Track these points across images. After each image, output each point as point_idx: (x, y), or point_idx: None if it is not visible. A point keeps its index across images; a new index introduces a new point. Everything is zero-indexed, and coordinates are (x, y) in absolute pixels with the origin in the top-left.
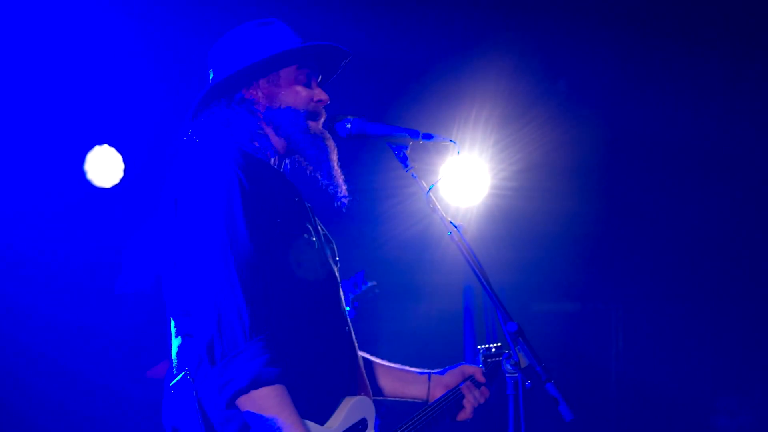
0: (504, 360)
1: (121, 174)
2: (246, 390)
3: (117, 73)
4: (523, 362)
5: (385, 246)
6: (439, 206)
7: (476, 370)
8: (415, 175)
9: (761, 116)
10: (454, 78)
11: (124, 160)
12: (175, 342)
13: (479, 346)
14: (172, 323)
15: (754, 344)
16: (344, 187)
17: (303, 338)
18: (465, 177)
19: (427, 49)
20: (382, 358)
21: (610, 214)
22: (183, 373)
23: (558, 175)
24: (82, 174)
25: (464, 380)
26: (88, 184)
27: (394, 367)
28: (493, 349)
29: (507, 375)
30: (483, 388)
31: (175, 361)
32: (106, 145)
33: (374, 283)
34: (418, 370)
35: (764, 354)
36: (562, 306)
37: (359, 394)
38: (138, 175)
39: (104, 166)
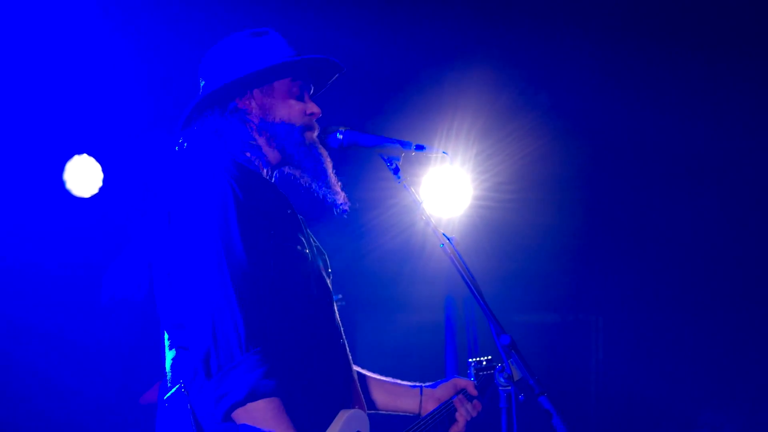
0: (497, 373)
1: (100, 183)
2: (243, 403)
3: (96, 82)
4: (516, 375)
5: (366, 257)
6: (431, 218)
7: (468, 383)
8: (407, 186)
9: (742, 127)
10: (437, 89)
11: (104, 170)
12: (169, 354)
13: (470, 359)
14: (166, 336)
15: (736, 356)
16: (343, 195)
17: (298, 351)
18: (448, 188)
19: (409, 60)
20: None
21: (591, 225)
22: (177, 386)
23: (539, 187)
24: (62, 183)
25: (456, 393)
26: (68, 194)
27: (385, 381)
28: (484, 362)
29: (500, 388)
30: (475, 401)
31: (169, 374)
32: (85, 155)
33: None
34: (409, 383)
35: (746, 366)
36: (543, 317)
37: (354, 407)
38: (118, 184)
39: (83, 175)
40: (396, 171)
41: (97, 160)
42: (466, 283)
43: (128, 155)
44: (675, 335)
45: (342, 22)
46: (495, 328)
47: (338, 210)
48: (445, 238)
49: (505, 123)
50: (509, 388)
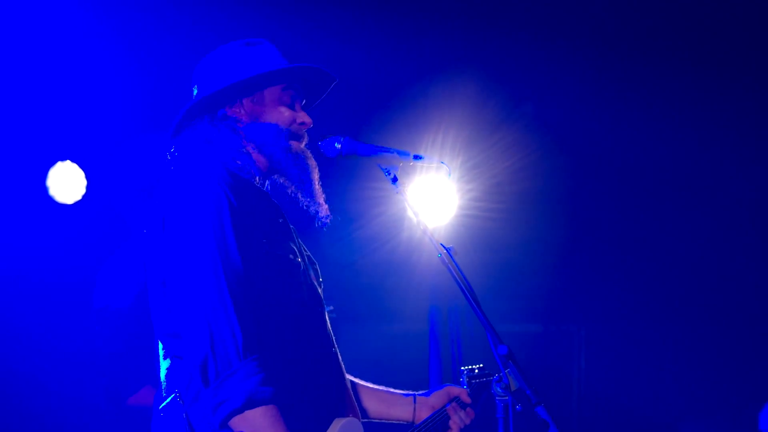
0: (494, 383)
1: (83, 190)
2: (240, 410)
3: (79, 89)
4: (513, 385)
5: (349, 267)
6: (428, 228)
7: (461, 391)
8: (405, 196)
9: (723, 140)
10: (423, 100)
11: (87, 177)
12: (164, 364)
13: (463, 368)
14: (160, 345)
15: (717, 366)
16: (326, 207)
17: (292, 359)
18: (433, 197)
19: (395, 71)
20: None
21: (573, 236)
22: (173, 395)
23: (523, 198)
24: (45, 190)
25: (450, 401)
26: (51, 200)
27: (378, 389)
28: (476, 371)
29: (497, 398)
30: (468, 408)
31: (164, 384)
32: (68, 161)
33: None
34: (402, 391)
35: (727, 375)
36: (525, 327)
37: (348, 416)
38: (101, 191)
39: (67, 182)
40: (394, 180)
41: (81, 166)
42: (464, 293)
43: (111, 162)
44: (657, 345)
45: (330, 33)
46: (493, 338)
47: (319, 222)
48: (443, 248)
49: (489, 134)
50: (506, 398)
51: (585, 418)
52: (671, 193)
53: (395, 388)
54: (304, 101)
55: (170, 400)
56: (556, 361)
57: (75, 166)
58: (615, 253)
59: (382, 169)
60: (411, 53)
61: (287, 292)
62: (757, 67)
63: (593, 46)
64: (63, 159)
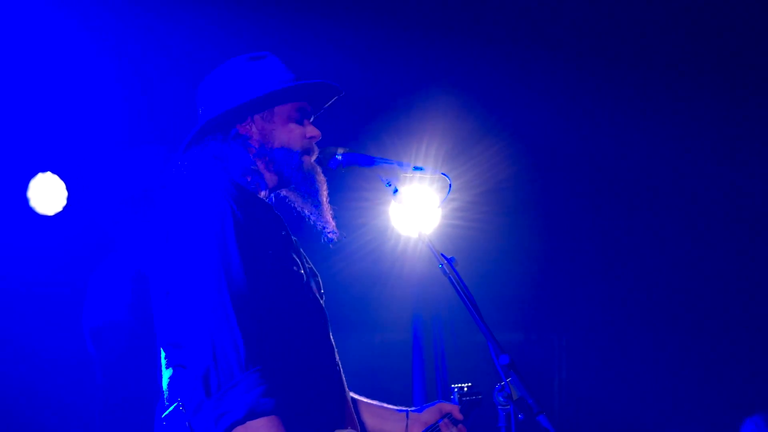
0: (496, 392)
1: (64, 202)
2: (242, 421)
3: (61, 99)
4: (515, 394)
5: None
6: (430, 239)
7: (454, 408)
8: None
9: (704, 149)
10: (406, 111)
11: (68, 188)
12: (166, 373)
13: (453, 386)
14: (162, 354)
15: (700, 374)
16: (333, 224)
17: (294, 371)
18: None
19: (378, 81)
20: None
21: (554, 244)
22: (175, 404)
23: (504, 207)
24: (26, 201)
25: (442, 417)
26: (32, 212)
27: (371, 403)
28: (466, 389)
29: (499, 407)
30: (460, 425)
31: (166, 393)
32: (49, 173)
33: None
34: (395, 407)
35: (710, 384)
36: (506, 335)
37: (347, 428)
38: (82, 202)
39: (47, 193)
40: (395, 191)
41: (62, 177)
42: (466, 303)
43: (93, 173)
44: (638, 353)
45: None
46: (494, 348)
47: (325, 238)
48: (444, 259)
49: (471, 146)
50: (508, 407)
51: (566, 426)
52: (650, 201)
53: (379, 397)
54: (312, 117)
55: (173, 409)
56: (537, 369)
57: (56, 177)
58: (596, 262)
59: (381, 180)
60: (395, 65)
61: (289, 304)
62: (743, 72)
63: (575, 57)
64: (44, 170)
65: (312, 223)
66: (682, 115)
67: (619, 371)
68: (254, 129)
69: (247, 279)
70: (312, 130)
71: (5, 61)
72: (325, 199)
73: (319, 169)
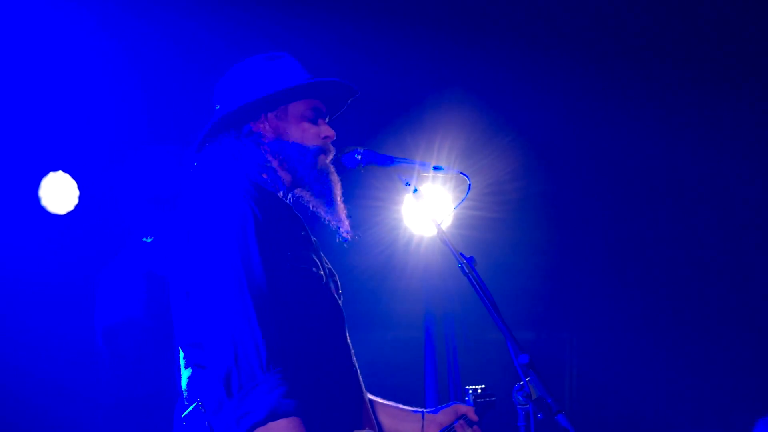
0: (515, 391)
1: (75, 200)
2: (264, 422)
3: (72, 99)
4: (534, 394)
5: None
6: (448, 238)
7: (469, 409)
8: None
9: (713, 146)
10: (419, 111)
11: (79, 187)
12: (185, 373)
13: (468, 387)
14: (182, 354)
15: (711, 373)
16: (347, 223)
17: (315, 372)
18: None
19: (391, 80)
20: None
21: (565, 243)
22: (195, 404)
23: (515, 206)
24: (37, 200)
25: (457, 419)
26: (43, 211)
27: (387, 404)
28: (480, 391)
29: (518, 406)
30: (475, 426)
31: (185, 392)
32: (60, 172)
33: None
34: (411, 408)
35: (721, 383)
36: (516, 335)
37: (365, 429)
38: (93, 201)
39: (59, 192)
40: (415, 191)
41: (73, 176)
42: (485, 303)
43: (104, 172)
44: (649, 353)
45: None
46: (513, 347)
47: (339, 238)
48: (464, 258)
49: (483, 143)
50: (527, 406)
51: (577, 425)
52: (663, 199)
53: (391, 394)
54: (327, 117)
55: (192, 409)
56: (548, 368)
57: (67, 176)
58: (607, 261)
59: (400, 179)
60: (406, 64)
61: (309, 305)
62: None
63: (584, 56)
64: (55, 169)
65: (326, 222)
66: (699, 114)
67: (631, 370)
68: (267, 126)
69: (267, 280)
70: (326, 130)
71: (18, 61)
72: (339, 198)
73: (333, 169)
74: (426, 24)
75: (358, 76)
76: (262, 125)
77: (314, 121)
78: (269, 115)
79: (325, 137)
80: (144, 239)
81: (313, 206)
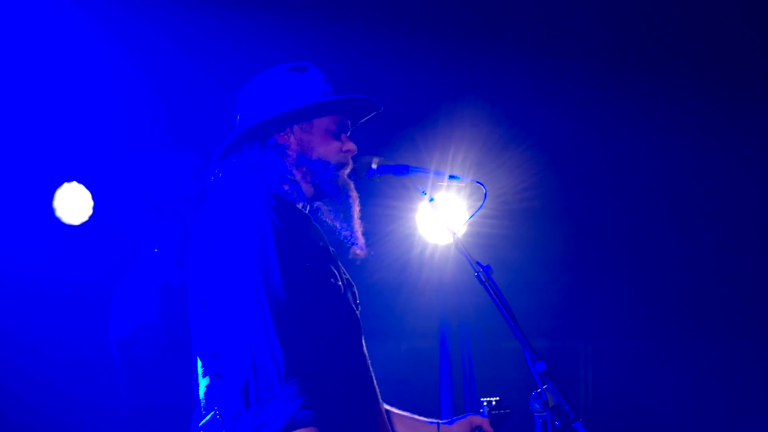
0: (532, 399)
1: (90, 211)
2: None
3: (87, 109)
4: (551, 401)
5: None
6: (464, 247)
7: (484, 421)
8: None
9: (728, 154)
10: (433, 121)
11: (94, 198)
12: (203, 382)
13: (483, 399)
14: (199, 363)
15: (727, 381)
16: (362, 241)
17: (332, 382)
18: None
19: (405, 90)
20: None
21: (580, 251)
22: (212, 413)
23: (529, 214)
24: (51, 211)
25: (472, 430)
26: (58, 221)
27: (403, 415)
28: (494, 402)
29: (535, 414)
30: None
31: (203, 402)
32: (75, 182)
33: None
34: (426, 419)
35: (738, 391)
36: (532, 343)
37: None
38: (108, 212)
39: (73, 203)
40: (431, 200)
41: (87, 187)
42: (501, 311)
43: (119, 182)
44: (664, 360)
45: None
46: (530, 356)
47: (352, 255)
48: (480, 267)
49: (497, 153)
50: (545, 414)
51: None
52: (677, 208)
53: (405, 404)
54: (350, 131)
55: (210, 418)
56: (562, 376)
57: (82, 186)
58: (622, 268)
59: (417, 188)
60: (421, 73)
61: (327, 315)
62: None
63: (602, 66)
64: (70, 180)
65: (341, 237)
66: (725, 124)
67: (646, 378)
68: (293, 139)
69: (286, 290)
70: (349, 145)
71: (33, 72)
72: (356, 215)
73: (353, 185)
74: (441, 33)
75: (374, 85)
76: (287, 137)
77: (337, 135)
78: (295, 127)
79: (347, 151)
80: (154, 249)
81: (329, 220)
